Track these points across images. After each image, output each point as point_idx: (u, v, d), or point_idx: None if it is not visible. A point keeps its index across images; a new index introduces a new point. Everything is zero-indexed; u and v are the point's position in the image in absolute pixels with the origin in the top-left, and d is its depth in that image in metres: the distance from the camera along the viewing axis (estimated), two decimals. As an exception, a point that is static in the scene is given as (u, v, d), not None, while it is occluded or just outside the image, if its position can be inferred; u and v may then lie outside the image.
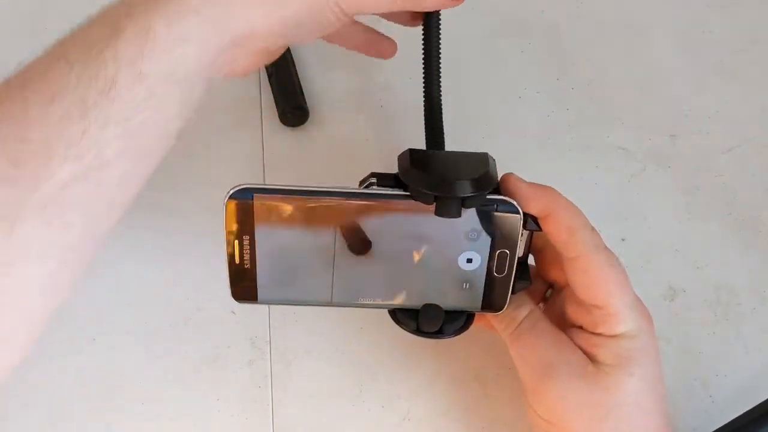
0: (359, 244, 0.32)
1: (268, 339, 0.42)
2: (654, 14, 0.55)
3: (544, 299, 0.38)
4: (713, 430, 0.38)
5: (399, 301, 0.34)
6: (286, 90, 0.49)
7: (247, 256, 0.32)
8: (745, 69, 0.52)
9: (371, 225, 0.32)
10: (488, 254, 0.33)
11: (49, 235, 0.27)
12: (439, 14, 0.36)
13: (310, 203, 0.31)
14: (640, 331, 0.33)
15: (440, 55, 0.36)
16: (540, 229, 0.33)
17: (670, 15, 0.55)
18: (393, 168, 0.34)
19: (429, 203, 0.31)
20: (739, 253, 0.45)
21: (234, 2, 0.31)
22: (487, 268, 0.33)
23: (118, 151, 0.28)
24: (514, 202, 0.32)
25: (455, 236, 0.32)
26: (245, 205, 0.31)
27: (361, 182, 0.33)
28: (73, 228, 0.28)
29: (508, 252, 0.33)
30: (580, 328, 0.34)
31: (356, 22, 0.39)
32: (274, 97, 0.50)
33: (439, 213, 0.31)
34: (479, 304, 0.34)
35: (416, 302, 0.34)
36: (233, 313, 0.42)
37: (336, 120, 0.50)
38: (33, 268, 0.28)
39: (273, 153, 0.48)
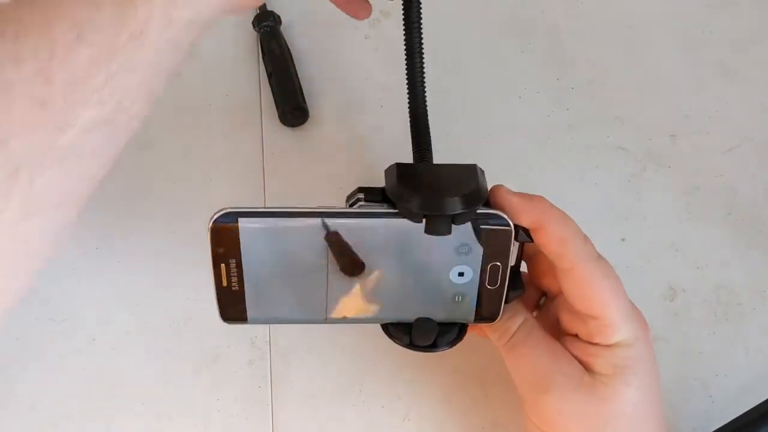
0: (352, 265, 0.32)
1: (268, 339, 0.42)
2: (654, 14, 0.55)
3: (538, 306, 0.37)
4: (713, 430, 0.38)
5: (391, 315, 0.34)
6: (286, 90, 0.49)
7: (234, 279, 0.32)
8: (745, 69, 0.52)
9: (359, 243, 0.32)
10: (480, 267, 0.32)
11: (66, 186, 0.27)
12: (420, 23, 0.35)
13: (297, 224, 0.31)
14: (637, 340, 0.32)
15: (423, 67, 0.36)
16: (532, 241, 0.32)
17: (670, 15, 0.55)
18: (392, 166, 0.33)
19: (418, 221, 0.31)
20: (739, 253, 0.45)
21: None
22: (479, 281, 0.33)
23: (136, 97, 0.27)
24: (505, 216, 0.31)
25: (446, 251, 0.32)
26: (230, 229, 0.30)
27: (348, 197, 0.33)
28: (84, 178, 0.27)
29: (500, 265, 0.32)
30: (576, 336, 0.34)
31: None
32: (274, 98, 0.50)
33: (428, 231, 0.31)
34: (472, 315, 0.34)
35: (409, 316, 0.34)
36: (233, 313, 0.42)
37: (336, 120, 0.50)
38: (49, 221, 0.27)
39: (273, 153, 0.48)
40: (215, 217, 0.30)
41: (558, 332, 0.35)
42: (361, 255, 0.32)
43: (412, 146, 0.36)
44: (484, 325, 0.35)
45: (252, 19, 0.53)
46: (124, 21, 0.26)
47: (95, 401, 0.40)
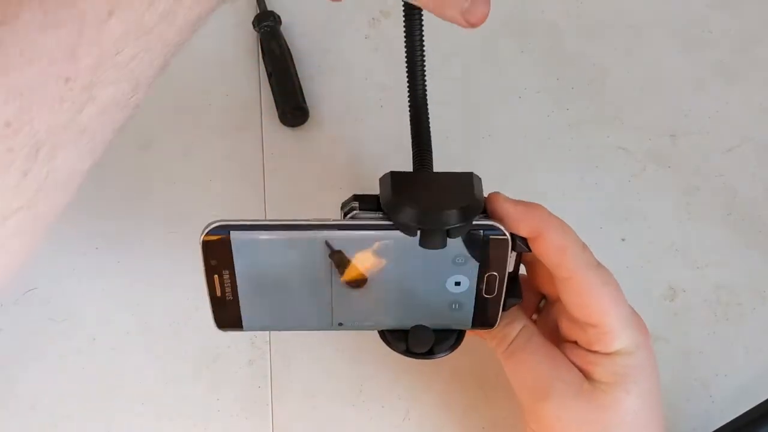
0: (355, 281, 0.32)
1: (268, 339, 0.42)
2: (654, 14, 0.55)
3: (538, 310, 0.37)
4: (713, 430, 0.38)
5: (388, 323, 0.34)
6: (286, 90, 0.49)
7: (228, 290, 0.32)
8: (745, 69, 0.52)
9: (354, 254, 0.31)
10: (476, 277, 0.32)
11: (78, 165, 0.26)
12: (422, 27, 0.34)
13: (291, 237, 0.31)
14: (637, 347, 0.32)
15: (425, 75, 0.35)
16: (530, 251, 0.32)
17: (670, 15, 0.55)
18: (391, 167, 0.33)
19: (413, 235, 0.30)
20: (739, 252, 0.45)
21: None
22: (477, 290, 0.33)
23: (152, 77, 0.27)
24: (501, 227, 0.31)
25: (442, 261, 0.32)
26: (222, 241, 0.30)
27: (343, 205, 0.32)
28: (90, 156, 0.27)
29: (497, 275, 0.32)
30: (575, 343, 0.33)
31: None
32: (274, 98, 0.50)
33: (423, 245, 0.31)
34: (470, 323, 0.34)
35: (406, 323, 0.34)
36: (233, 313, 0.42)
37: (336, 120, 0.50)
38: (57, 199, 0.27)
39: (273, 153, 0.48)
40: (207, 230, 0.30)
41: (557, 338, 0.34)
42: (357, 266, 0.32)
43: (413, 151, 0.36)
44: (482, 331, 0.35)
45: (252, 19, 0.53)
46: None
47: (95, 401, 0.40)
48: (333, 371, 0.41)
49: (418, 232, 0.30)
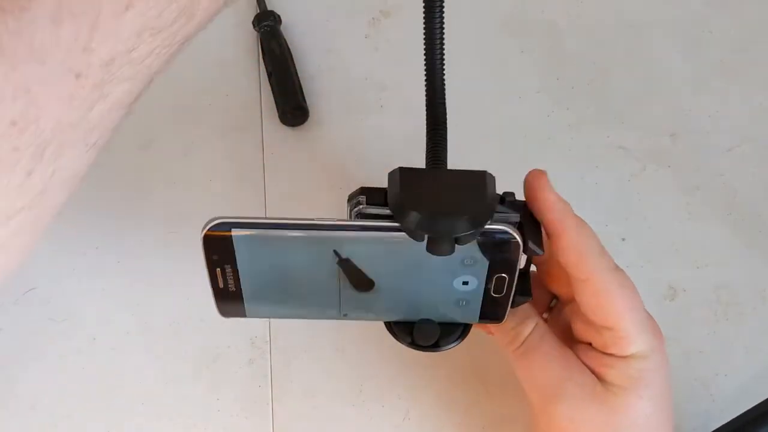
0: (362, 284, 0.32)
1: (268, 338, 0.42)
2: (654, 13, 0.55)
3: (549, 309, 0.37)
4: (713, 429, 0.38)
5: (394, 316, 0.34)
6: (286, 90, 0.49)
7: (231, 282, 0.31)
8: (745, 68, 0.52)
9: (358, 252, 0.31)
10: (485, 278, 0.31)
11: (83, 163, 0.25)
12: (443, 14, 0.32)
13: (295, 236, 0.30)
14: (652, 351, 0.32)
15: (444, 69, 0.33)
16: (542, 253, 0.31)
17: (671, 14, 0.55)
18: (391, 167, 0.33)
19: (419, 240, 0.30)
20: (739, 252, 0.45)
21: None
22: (485, 289, 0.32)
23: (161, 72, 0.25)
24: (513, 232, 0.30)
25: (450, 263, 0.31)
26: (223, 238, 0.30)
27: (350, 198, 0.32)
28: (92, 154, 0.26)
29: (506, 276, 0.31)
30: (589, 345, 0.33)
31: None
32: (274, 97, 0.50)
33: (430, 250, 0.30)
34: (477, 318, 0.34)
35: (412, 316, 0.34)
36: (233, 313, 0.42)
37: (336, 120, 0.50)
38: (58, 199, 0.26)
39: (273, 153, 0.48)
40: (209, 226, 0.30)
41: (570, 339, 0.34)
42: (362, 263, 0.31)
43: (426, 146, 0.34)
44: (493, 328, 0.35)
45: (252, 18, 0.53)
46: None
47: (95, 401, 0.40)
48: (333, 371, 0.41)
49: (426, 236, 0.29)
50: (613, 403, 0.31)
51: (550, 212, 0.31)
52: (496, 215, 0.30)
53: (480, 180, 0.31)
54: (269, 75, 0.50)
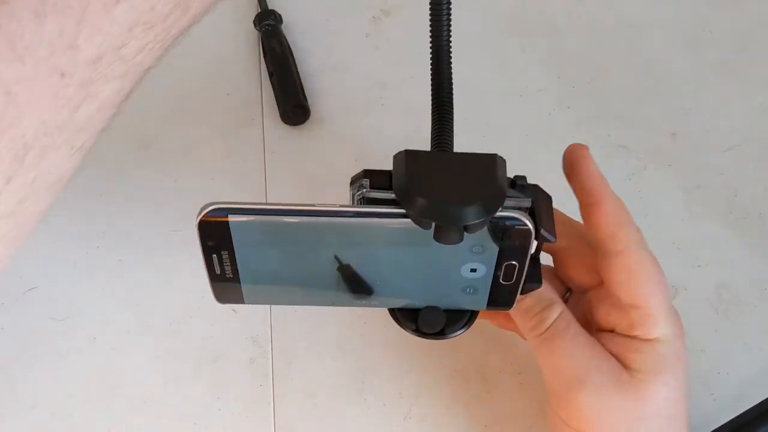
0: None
1: (269, 337, 0.42)
2: (655, 13, 0.55)
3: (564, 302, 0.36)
4: (715, 428, 0.38)
5: (400, 303, 0.33)
6: (287, 89, 0.49)
7: (228, 269, 0.30)
8: (746, 67, 0.52)
9: (362, 239, 0.30)
10: (494, 265, 0.30)
11: (68, 166, 0.24)
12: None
13: (294, 221, 0.29)
14: (675, 336, 0.31)
15: (450, 50, 0.32)
16: (554, 240, 0.30)
17: (671, 14, 0.55)
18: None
19: (426, 228, 0.28)
20: (740, 251, 0.45)
21: None
22: (494, 276, 0.31)
23: (152, 67, 0.24)
24: (524, 218, 0.29)
25: (458, 250, 0.30)
26: (219, 223, 0.29)
27: (353, 181, 0.31)
28: (79, 155, 0.24)
29: (516, 264, 0.30)
30: (612, 332, 0.33)
31: None
32: (275, 96, 0.50)
33: (438, 239, 0.28)
34: (484, 305, 0.32)
35: (418, 303, 0.33)
36: (234, 311, 0.42)
37: (336, 118, 0.50)
38: (41, 205, 0.25)
39: (274, 151, 0.48)
40: (205, 211, 0.29)
41: (589, 329, 0.33)
42: (365, 249, 0.30)
43: (432, 129, 0.32)
44: (517, 313, 0.33)
45: (253, 18, 0.53)
46: None
47: (95, 401, 0.40)
48: (335, 369, 0.41)
49: (433, 224, 0.28)
50: (641, 391, 0.31)
51: (592, 180, 0.31)
52: (507, 200, 0.29)
53: (490, 163, 0.29)
54: (270, 74, 0.50)
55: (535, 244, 0.30)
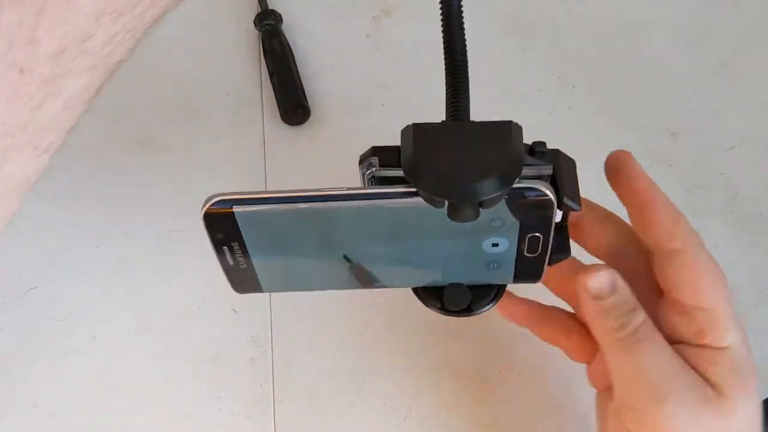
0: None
1: (269, 337, 0.42)
2: (655, 12, 0.55)
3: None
4: (715, 428, 0.38)
5: (422, 282, 0.31)
6: (287, 89, 0.49)
7: (241, 259, 0.29)
8: (746, 67, 0.52)
9: (376, 222, 0.28)
10: (517, 239, 0.28)
11: (33, 168, 0.22)
12: None
13: (302, 207, 0.28)
14: (744, 344, 0.30)
15: (462, 13, 0.30)
16: (579, 209, 0.28)
17: (671, 13, 0.55)
18: None
19: (438, 207, 0.26)
20: (740, 251, 0.45)
21: None
22: (517, 250, 0.29)
23: (127, 56, 0.23)
24: (544, 188, 0.27)
25: (476, 226, 0.27)
26: (225, 215, 0.28)
27: (361, 160, 0.29)
28: (46, 157, 0.23)
29: (540, 235, 0.28)
30: (682, 344, 0.30)
31: None
32: (275, 96, 0.50)
33: (452, 217, 0.26)
34: (511, 278, 0.31)
35: (441, 281, 0.31)
36: (234, 311, 0.42)
37: (337, 118, 0.50)
38: (10, 207, 0.23)
39: (274, 151, 0.48)
40: (210, 202, 0.27)
41: None
42: (378, 230, 0.29)
43: (446, 95, 0.30)
44: (598, 314, 0.31)
45: (253, 17, 0.53)
46: None
47: (95, 401, 0.40)
48: (335, 369, 0.41)
49: (446, 203, 0.26)
50: (726, 408, 0.29)
51: (641, 182, 0.30)
52: (525, 170, 0.27)
53: (505, 131, 0.27)
54: (270, 74, 0.50)
55: (559, 213, 0.28)
